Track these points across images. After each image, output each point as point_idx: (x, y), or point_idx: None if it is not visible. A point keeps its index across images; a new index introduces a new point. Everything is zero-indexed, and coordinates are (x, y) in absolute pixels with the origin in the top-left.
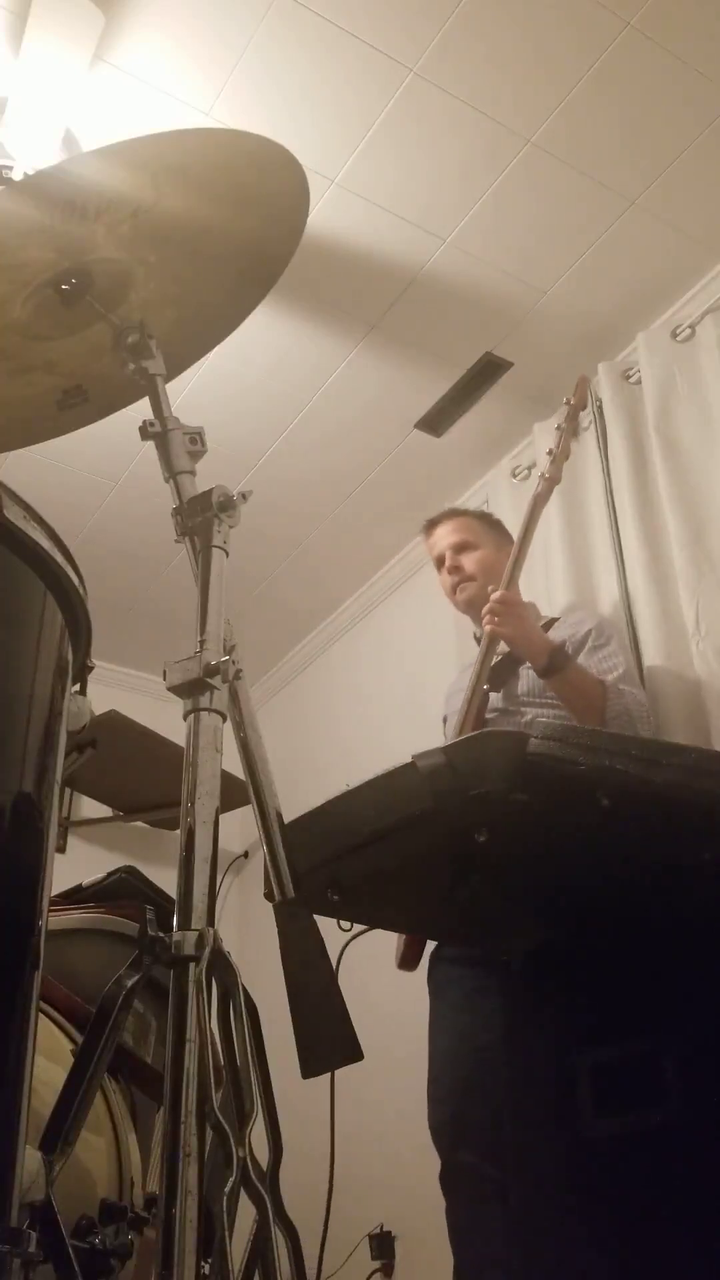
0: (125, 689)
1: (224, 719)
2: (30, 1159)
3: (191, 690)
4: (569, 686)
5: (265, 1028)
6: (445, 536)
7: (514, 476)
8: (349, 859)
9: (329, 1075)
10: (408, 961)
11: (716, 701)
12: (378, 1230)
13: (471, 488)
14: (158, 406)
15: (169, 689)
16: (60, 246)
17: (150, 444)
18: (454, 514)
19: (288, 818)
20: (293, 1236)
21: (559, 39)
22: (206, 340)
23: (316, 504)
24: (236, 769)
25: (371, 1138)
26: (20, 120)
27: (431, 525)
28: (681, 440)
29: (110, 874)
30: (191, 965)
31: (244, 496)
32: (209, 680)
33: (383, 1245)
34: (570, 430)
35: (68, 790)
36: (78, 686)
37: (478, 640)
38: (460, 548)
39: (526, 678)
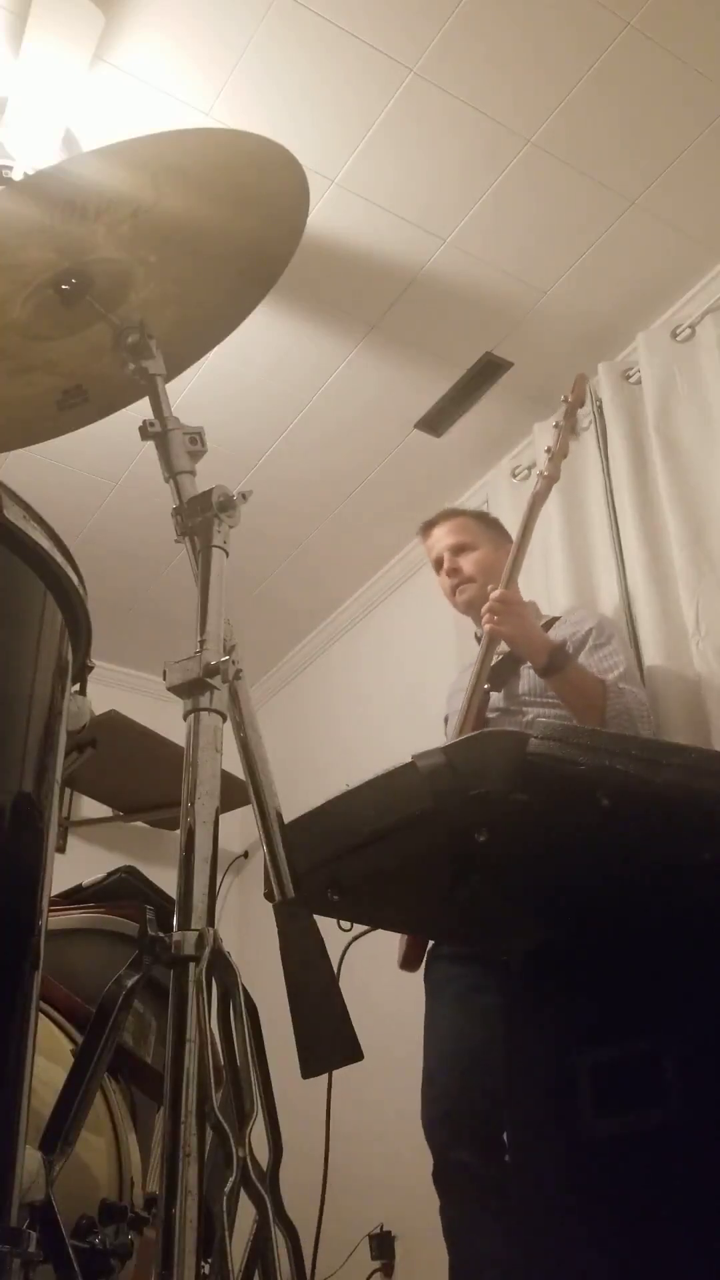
0: (125, 689)
1: (224, 719)
2: (30, 1159)
3: (191, 690)
4: (569, 686)
5: (265, 1028)
6: (443, 538)
7: (514, 476)
8: (349, 859)
9: (327, 1075)
10: (409, 962)
11: (716, 701)
12: (378, 1230)
13: (471, 488)
14: (158, 406)
15: (169, 689)
16: (60, 246)
17: (150, 444)
18: (451, 515)
19: (288, 818)
20: (293, 1236)
21: (559, 39)
22: (206, 340)
23: (316, 504)
24: (236, 769)
25: (371, 1137)
26: (20, 120)
27: (429, 527)
28: (681, 440)
29: (110, 874)
30: (191, 965)
31: (244, 496)
32: (209, 680)
33: (383, 1245)
34: (568, 428)
35: (68, 790)
36: (78, 686)
37: (478, 640)
38: (458, 549)
39: (527, 677)
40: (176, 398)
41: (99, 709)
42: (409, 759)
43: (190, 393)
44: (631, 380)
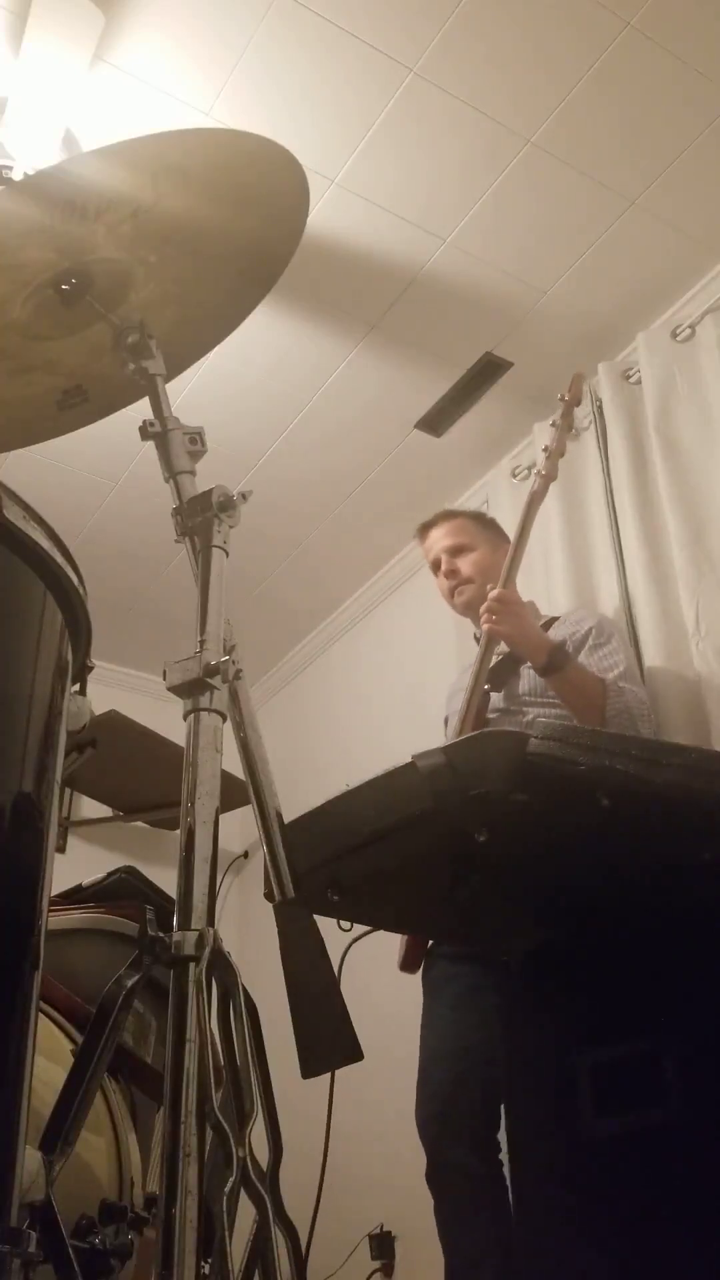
0: (125, 689)
1: (224, 719)
2: (30, 1159)
3: (191, 690)
4: (568, 685)
5: (265, 1028)
6: (440, 540)
7: (514, 477)
8: (349, 859)
9: (328, 1075)
10: (409, 964)
11: (716, 701)
12: (378, 1230)
13: (471, 488)
14: (158, 406)
15: (169, 689)
16: (60, 246)
17: (150, 444)
18: (447, 516)
19: (288, 818)
20: (293, 1236)
21: (559, 39)
22: (206, 340)
23: (316, 504)
24: (236, 769)
25: (371, 1138)
26: (20, 120)
27: (425, 529)
28: (681, 440)
29: (110, 874)
30: (191, 965)
31: (244, 496)
32: (209, 680)
33: (383, 1245)
34: (566, 427)
35: (68, 790)
36: (78, 686)
37: (478, 641)
38: (455, 551)
39: (527, 677)
40: (176, 398)
41: (99, 709)
42: (409, 759)
43: (190, 393)
44: (631, 380)
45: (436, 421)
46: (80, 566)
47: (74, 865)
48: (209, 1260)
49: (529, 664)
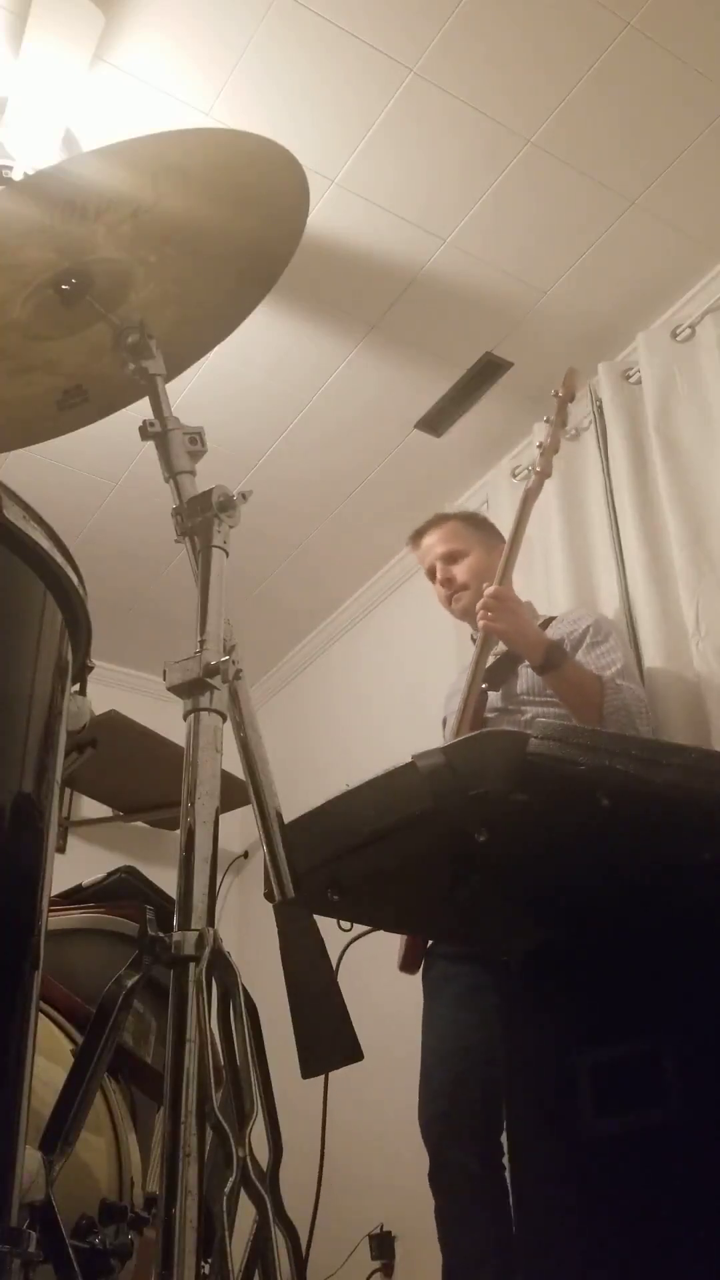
0: (125, 689)
1: (224, 719)
2: (30, 1159)
3: (191, 690)
4: (566, 682)
5: (265, 1028)
6: (433, 547)
7: (514, 476)
8: (349, 859)
9: (325, 1075)
10: (409, 964)
11: (717, 701)
12: (378, 1230)
13: (471, 488)
14: (158, 406)
15: (169, 689)
16: (60, 246)
17: (150, 444)
18: (439, 521)
19: (288, 818)
20: (293, 1236)
21: (559, 39)
22: (206, 340)
23: (316, 504)
24: (236, 769)
25: (371, 1138)
26: (20, 120)
27: (418, 536)
28: (681, 440)
29: (110, 874)
30: (191, 965)
31: (244, 496)
32: (209, 680)
33: (383, 1245)
34: (560, 423)
35: (68, 790)
36: (78, 686)
37: (474, 642)
38: (449, 558)
39: (525, 676)
40: (176, 398)
41: (99, 709)
42: (409, 759)
43: (190, 393)
44: (631, 380)
45: (436, 421)
46: (80, 566)
47: (74, 865)
48: (209, 1260)
49: (526, 663)
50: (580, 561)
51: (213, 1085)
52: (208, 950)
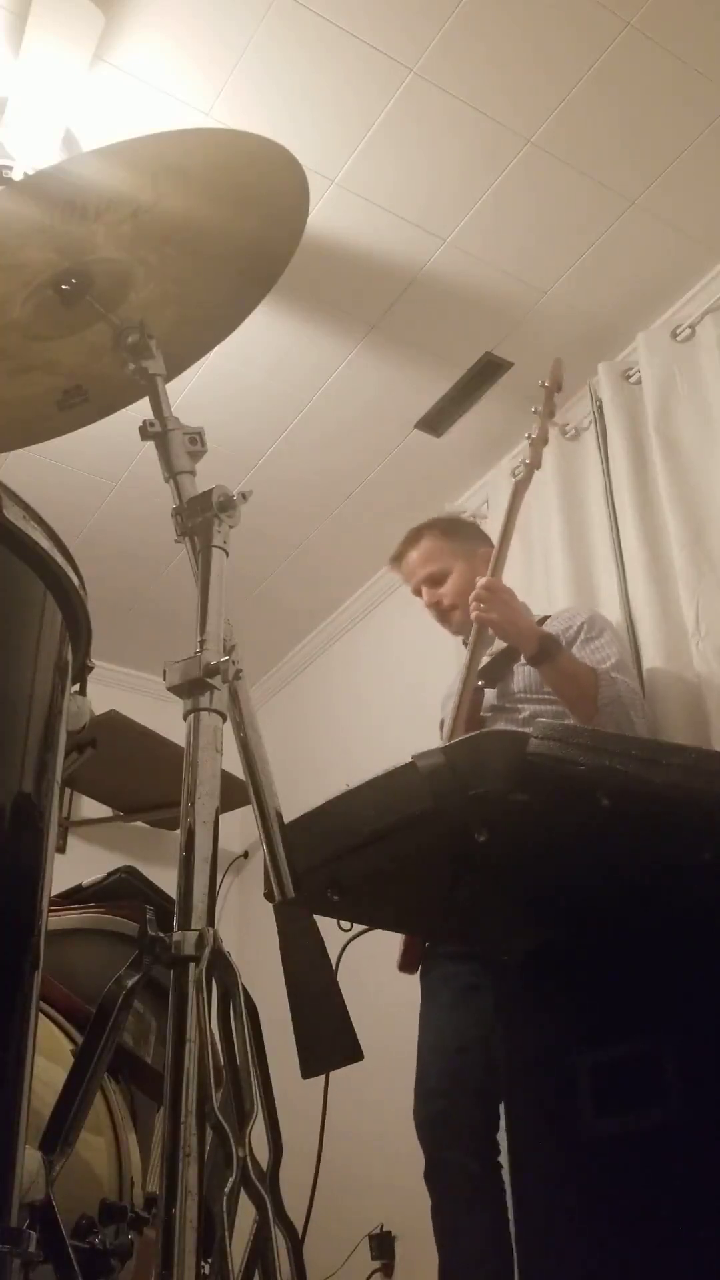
0: (125, 689)
1: (224, 719)
2: (30, 1159)
3: (191, 690)
4: (560, 674)
5: (265, 1028)
6: (415, 570)
7: (514, 476)
8: (349, 859)
9: (324, 1075)
10: (408, 964)
11: (717, 701)
12: (378, 1230)
13: (471, 488)
14: (158, 406)
15: (169, 689)
16: (60, 246)
17: (150, 444)
18: (415, 540)
19: (288, 818)
20: (293, 1236)
21: (559, 39)
22: (206, 340)
23: (316, 504)
24: (236, 769)
25: (371, 1138)
26: (20, 120)
27: (397, 559)
28: (681, 440)
29: (110, 874)
30: (191, 965)
31: (244, 496)
32: (209, 680)
33: (383, 1245)
34: (547, 413)
35: (68, 790)
36: (78, 686)
37: (466, 645)
38: (432, 580)
39: (521, 674)
40: (176, 398)
41: (99, 709)
42: (409, 759)
43: (190, 393)
44: (631, 380)
45: (436, 421)
46: (80, 566)
47: (74, 865)
48: (209, 1260)
49: (522, 661)
50: (580, 561)
51: (213, 1085)
52: (208, 950)
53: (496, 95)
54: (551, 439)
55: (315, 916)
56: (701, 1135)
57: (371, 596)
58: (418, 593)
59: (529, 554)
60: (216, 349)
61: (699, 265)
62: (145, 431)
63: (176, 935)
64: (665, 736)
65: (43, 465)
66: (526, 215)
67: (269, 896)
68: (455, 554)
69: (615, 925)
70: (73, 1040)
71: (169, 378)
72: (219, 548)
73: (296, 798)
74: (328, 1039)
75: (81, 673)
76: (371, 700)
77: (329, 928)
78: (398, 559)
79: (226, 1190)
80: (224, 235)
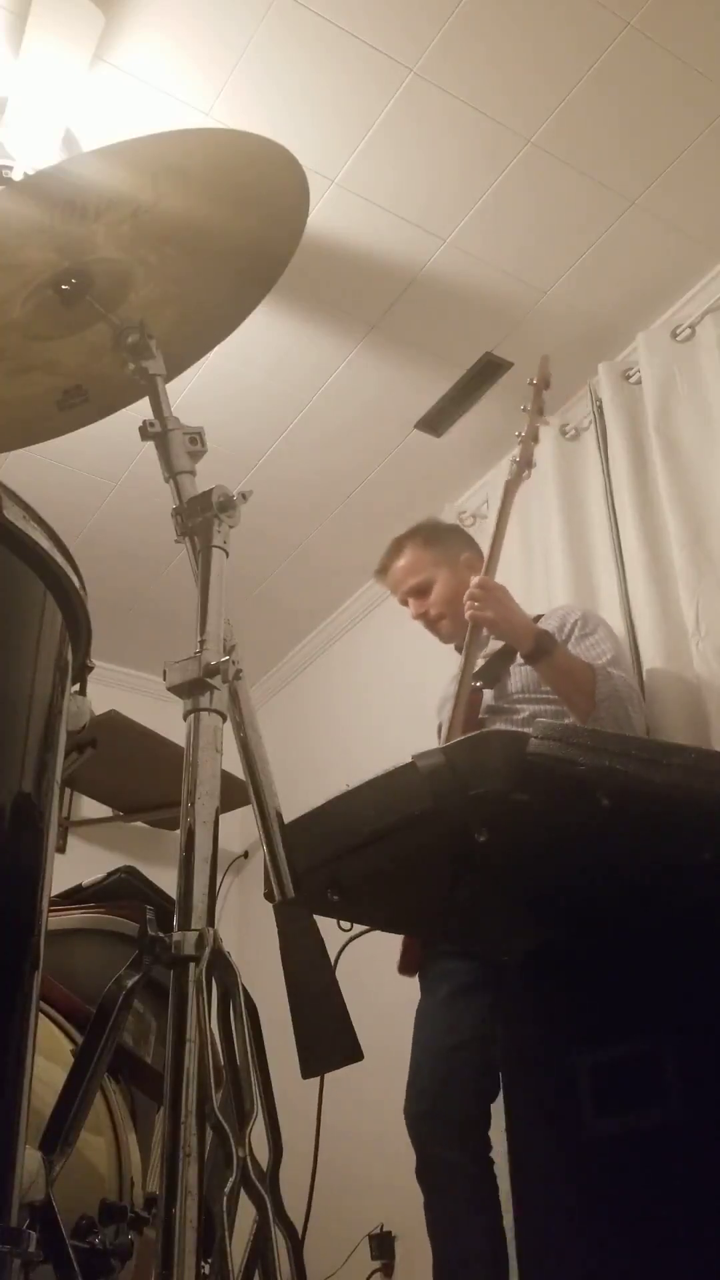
0: (125, 689)
1: (224, 719)
2: (30, 1159)
3: (191, 690)
4: (557, 671)
5: (265, 1028)
6: (399, 583)
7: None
8: (349, 859)
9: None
10: (408, 967)
11: (717, 702)
12: (378, 1230)
13: (471, 488)
14: (158, 406)
15: (169, 689)
16: (60, 246)
17: (150, 444)
18: (397, 552)
19: (288, 818)
20: (293, 1236)
21: (559, 39)
22: (206, 340)
23: (316, 504)
24: (236, 769)
25: (371, 1138)
26: (20, 120)
27: (381, 572)
28: (681, 440)
29: (110, 874)
30: (191, 965)
31: (244, 496)
32: (209, 680)
33: (383, 1245)
34: (536, 411)
35: (68, 790)
36: (78, 686)
37: (460, 651)
38: (417, 592)
39: (518, 674)
40: (176, 398)
41: (99, 709)
42: (409, 759)
43: (190, 393)
44: (631, 380)
45: (436, 421)
46: (80, 566)
47: (74, 865)
48: (209, 1260)
49: (519, 662)
50: (580, 561)
51: (213, 1085)
52: (208, 950)
53: (496, 95)
54: (551, 439)
55: (315, 916)
56: (701, 1135)
57: (371, 596)
58: (405, 603)
59: (529, 554)
60: (216, 349)
61: (699, 265)
62: (145, 431)
63: (176, 935)
64: (665, 736)
65: (43, 465)
66: (526, 215)
67: (269, 896)
68: (438, 562)
69: (615, 925)
70: (73, 1040)
71: (169, 378)
72: (219, 548)
73: (296, 798)
74: (328, 1039)
75: (81, 673)
76: (371, 700)
77: (329, 928)
78: (382, 571)
79: (226, 1190)
80: (224, 235)
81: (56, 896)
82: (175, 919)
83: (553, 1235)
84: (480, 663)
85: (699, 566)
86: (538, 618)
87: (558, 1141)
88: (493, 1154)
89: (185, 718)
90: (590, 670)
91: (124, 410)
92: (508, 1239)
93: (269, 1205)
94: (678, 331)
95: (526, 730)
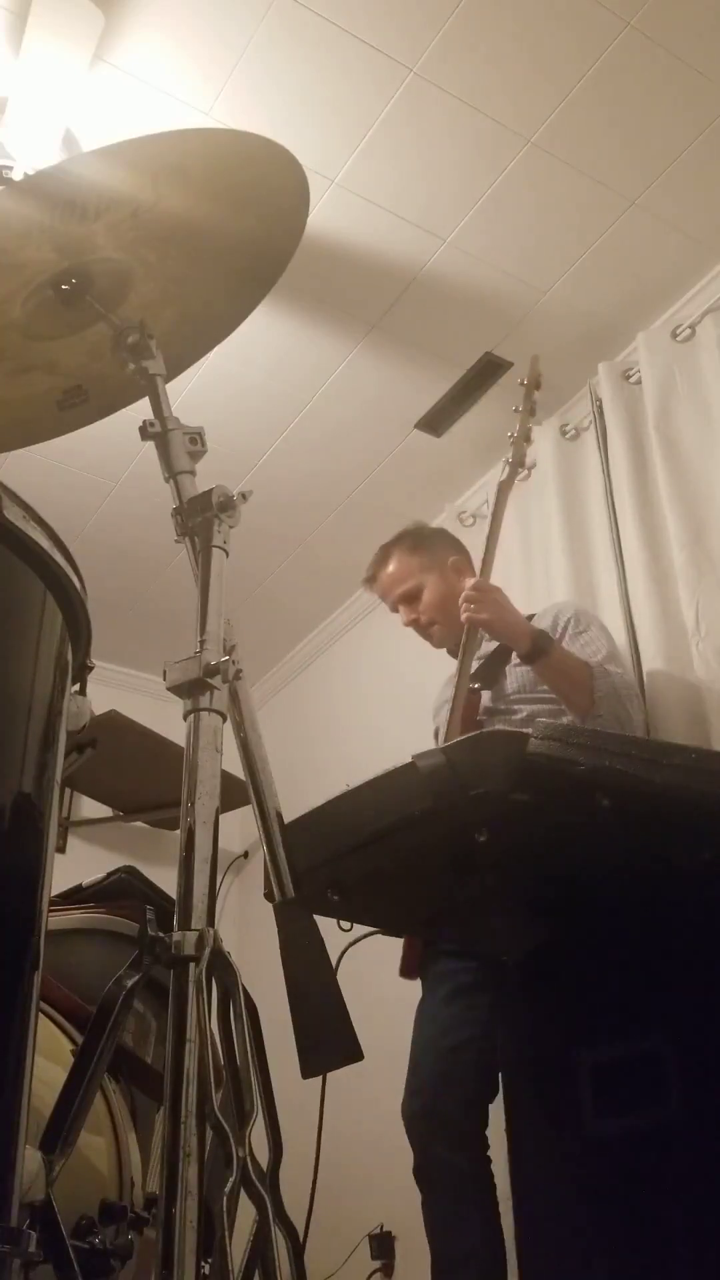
0: (125, 689)
1: (224, 719)
2: (30, 1159)
3: (191, 690)
4: (554, 670)
5: (265, 1028)
6: (388, 591)
7: (518, 476)
8: (349, 859)
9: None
10: (409, 970)
11: (717, 702)
12: (378, 1230)
13: (471, 488)
14: (158, 406)
15: (169, 689)
16: (60, 246)
17: (150, 444)
18: (385, 558)
19: (288, 818)
20: (293, 1236)
21: (559, 39)
22: (206, 340)
23: (317, 504)
24: (236, 769)
25: (371, 1138)
26: (20, 120)
27: (370, 580)
28: (681, 440)
29: (110, 874)
30: (191, 965)
31: (244, 496)
32: (209, 680)
33: (383, 1245)
34: (527, 411)
35: (68, 790)
36: (78, 686)
37: (453, 655)
38: (406, 599)
39: (514, 675)
40: (176, 398)
41: (99, 709)
42: (409, 759)
43: (190, 393)
44: (631, 380)
45: (436, 421)
46: (80, 566)
47: (74, 865)
48: (209, 1260)
49: (514, 662)
50: (580, 561)
51: (213, 1085)
52: (208, 950)
53: (496, 95)
54: (552, 439)
55: (315, 916)
56: (701, 1135)
57: (371, 596)
58: (395, 610)
59: (529, 554)
60: (216, 349)
61: (699, 265)
62: (145, 431)
63: (176, 935)
64: (665, 736)
65: (43, 465)
66: (526, 215)
67: (269, 896)
68: (425, 568)
69: (615, 925)
70: (73, 1040)
71: (169, 378)
72: (219, 548)
73: (296, 798)
74: (328, 1039)
75: (81, 673)
76: (371, 700)
77: (329, 929)
78: (370, 580)
79: (226, 1190)
80: (224, 235)
81: (56, 896)
82: (175, 919)
83: (552, 1235)
84: (475, 664)
85: (699, 566)
86: (530, 617)
87: (558, 1141)
88: (490, 1154)
89: (185, 718)
90: (587, 668)
91: (124, 410)
92: (506, 1238)
93: (269, 1205)
94: (678, 331)
95: (526, 730)
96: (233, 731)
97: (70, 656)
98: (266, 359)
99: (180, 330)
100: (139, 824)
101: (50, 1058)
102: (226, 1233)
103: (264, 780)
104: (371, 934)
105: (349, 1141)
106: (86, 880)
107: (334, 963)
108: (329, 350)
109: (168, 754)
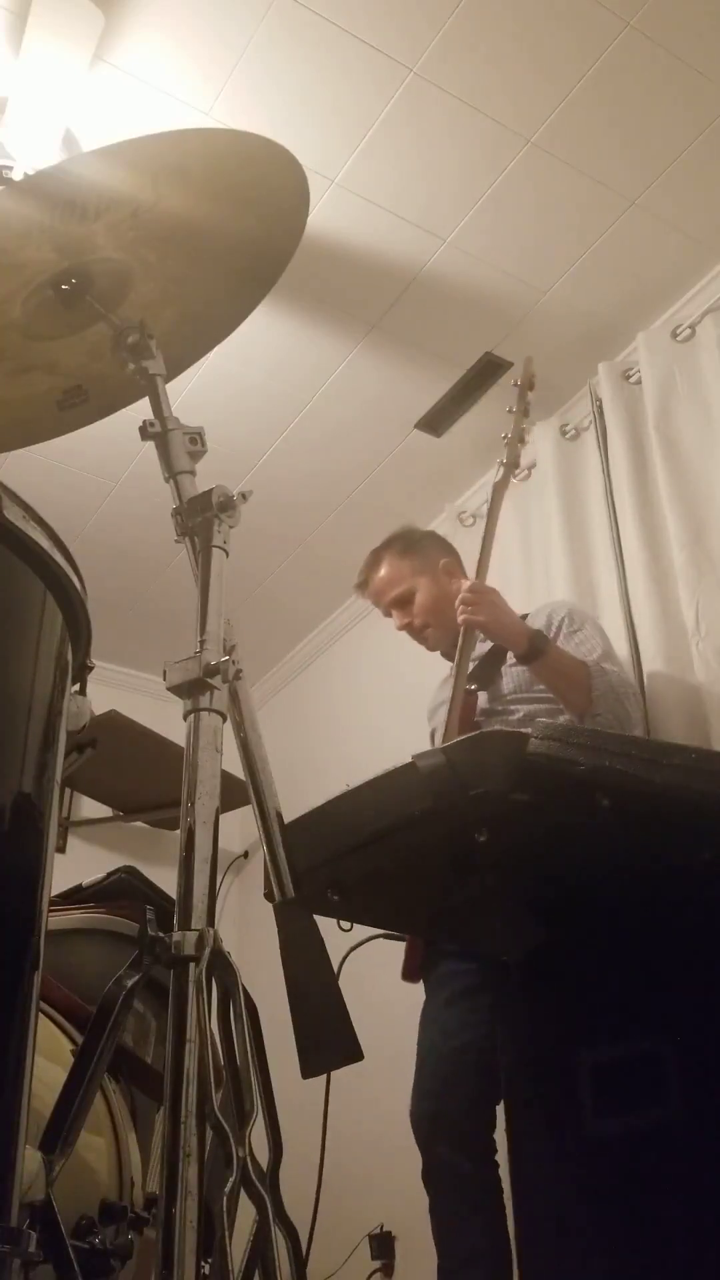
0: (125, 689)
1: (224, 719)
2: (30, 1159)
3: (191, 690)
4: (551, 670)
5: (265, 1028)
6: (380, 596)
7: (514, 477)
8: (349, 859)
9: (325, 1076)
10: (411, 973)
11: (717, 703)
12: (378, 1230)
13: (472, 488)
14: (158, 406)
15: (169, 689)
16: (60, 246)
17: (150, 444)
18: (376, 563)
19: (288, 818)
20: (293, 1236)
21: (559, 39)
22: (206, 340)
23: (317, 504)
24: (236, 769)
25: (372, 1138)
26: (20, 120)
27: (361, 585)
28: (681, 440)
29: (110, 874)
30: (191, 965)
31: (244, 496)
32: (209, 680)
33: (383, 1245)
34: (521, 412)
35: (68, 790)
36: (78, 686)
37: (448, 658)
38: (398, 603)
39: (510, 675)
40: (176, 398)
41: (99, 709)
42: (409, 759)
43: (190, 393)
44: (631, 380)
45: (436, 421)
46: (80, 566)
47: (74, 865)
48: (209, 1260)
49: (510, 663)
50: (580, 561)
51: (213, 1085)
52: (208, 950)
53: (496, 95)
54: (552, 439)
55: (315, 916)
56: (701, 1135)
57: None
58: (388, 614)
59: (529, 554)
60: (216, 349)
61: (699, 265)
62: (145, 431)
63: (176, 935)
64: (665, 737)
65: (43, 465)
66: (526, 215)
67: (269, 896)
68: (417, 571)
69: (615, 925)
70: (73, 1040)
71: (169, 378)
72: (219, 548)
73: (296, 798)
74: (328, 1039)
75: (81, 673)
76: (371, 700)
77: (330, 929)
78: (362, 585)
79: (226, 1190)
80: (224, 235)
81: (56, 896)
82: (175, 919)
83: (553, 1235)
84: (471, 665)
85: (699, 566)
86: (523, 616)
87: (558, 1141)
88: (498, 1158)
89: (185, 718)
90: (584, 667)
91: (124, 410)
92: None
93: (269, 1205)
94: (678, 331)
95: (526, 730)
96: (233, 731)
97: (70, 656)
98: (266, 359)
99: (180, 330)
100: (139, 824)
101: (50, 1058)
102: (226, 1233)
103: (264, 780)
104: (373, 937)
105: (349, 1142)
106: (86, 880)
107: (337, 966)
108: (329, 350)
109: (168, 754)
